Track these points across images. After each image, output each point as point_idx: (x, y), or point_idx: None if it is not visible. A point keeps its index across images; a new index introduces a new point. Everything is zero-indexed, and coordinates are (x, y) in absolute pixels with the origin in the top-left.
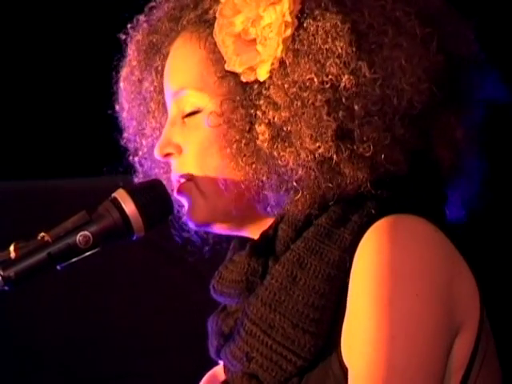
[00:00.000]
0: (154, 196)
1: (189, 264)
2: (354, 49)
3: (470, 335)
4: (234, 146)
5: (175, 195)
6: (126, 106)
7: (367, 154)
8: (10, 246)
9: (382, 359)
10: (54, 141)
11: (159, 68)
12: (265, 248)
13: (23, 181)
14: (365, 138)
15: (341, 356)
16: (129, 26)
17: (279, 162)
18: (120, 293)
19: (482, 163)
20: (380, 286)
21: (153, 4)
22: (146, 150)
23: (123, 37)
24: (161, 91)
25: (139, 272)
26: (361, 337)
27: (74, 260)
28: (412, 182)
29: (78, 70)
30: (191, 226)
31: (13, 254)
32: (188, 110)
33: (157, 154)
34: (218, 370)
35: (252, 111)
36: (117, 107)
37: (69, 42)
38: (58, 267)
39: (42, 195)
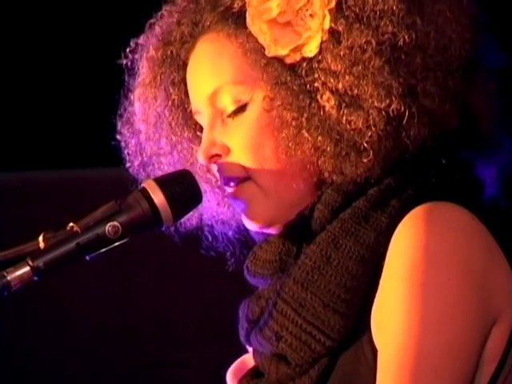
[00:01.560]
0: (182, 186)
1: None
2: (405, 5)
3: (506, 327)
4: (294, 124)
5: (230, 201)
6: (143, 128)
7: (431, 108)
8: (38, 236)
9: (412, 344)
10: (83, 131)
11: (175, 80)
12: (300, 228)
13: (51, 170)
14: (428, 92)
15: (371, 338)
16: (128, 50)
17: (348, 126)
18: (154, 283)
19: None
20: (414, 271)
21: (152, 20)
22: (166, 168)
23: (124, 61)
24: (179, 104)
25: (171, 263)
26: (392, 320)
27: (102, 250)
28: (451, 170)
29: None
30: (251, 228)
31: (42, 245)
32: (230, 108)
33: (202, 158)
34: (247, 358)
35: (308, 87)
36: (127, 133)
37: (100, 33)
38: (87, 257)
39: (71, 185)
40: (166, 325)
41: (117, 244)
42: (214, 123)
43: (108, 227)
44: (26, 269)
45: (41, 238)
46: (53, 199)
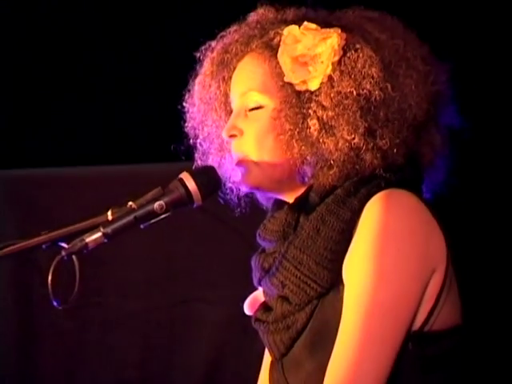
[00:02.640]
0: (208, 176)
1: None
2: (383, 74)
3: (440, 277)
4: (288, 134)
5: (230, 166)
6: (197, 103)
7: (384, 148)
8: (107, 211)
9: (370, 289)
10: (140, 133)
11: (226, 78)
12: (298, 209)
13: (113, 166)
14: (384, 136)
15: (344, 285)
16: (203, 47)
17: (323, 146)
18: (184, 245)
19: (449, 161)
20: (375, 237)
21: (223, 33)
22: (206, 135)
23: (198, 55)
24: (224, 94)
25: (198, 229)
26: (357, 270)
27: (152, 221)
28: (404, 170)
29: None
30: (244, 189)
31: (110, 217)
32: (252, 105)
33: (225, 134)
34: (258, 294)
35: (304, 110)
36: (187, 104)
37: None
38: (141, 226)
39: (128, 178)
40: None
41: (162, 217)
42: (239, 113)
43: (156, 205)
44: (99, 234)
45: (109, 213)
46: (118, 188)
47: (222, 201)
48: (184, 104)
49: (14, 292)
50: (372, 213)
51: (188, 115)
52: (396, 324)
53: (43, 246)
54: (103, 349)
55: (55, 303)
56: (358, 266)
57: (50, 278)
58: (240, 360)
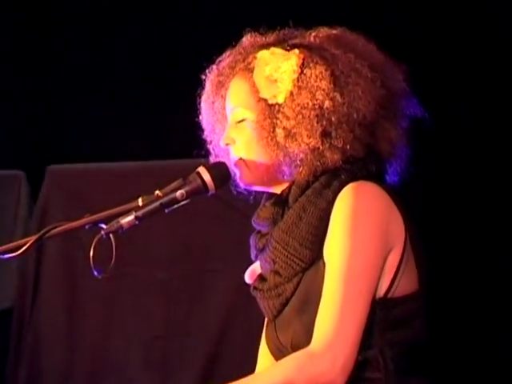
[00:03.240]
0: (220, 170)
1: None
2: (332, 85)
3: (398, 253)
4: (264, 141)
5: (232, 167)
6: (205, 117)
7: (339, 146)
8: (138, 198)
9: (345, 261)
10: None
11: (223, 95)
12: (283, 200)
13: (146, 161)
14: (338, 136)
15: (324, 261)
16: (207, 71)
17: (289, 150)
18: (200, 225)
19: (407, 151)
20: (346, 220)
21: (220, 58)
22: (216, 142)
23: (203, 77)
24: (223, 108)
25: (212, 213)
26: (334, 248)
27: (175, 207)
28: (366, 163)
29: None
30: (241, 185)
31: (140, 203)
32: (238, 119)
33: (222, 143)
34: (256, 266)
35: (274, 120)
36: (201, 117)
37: None
38: (166, 211)
39: (156, 172)
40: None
41: (183, 203)
42: (231, 124)
43: (178, 193)
44: (132, 217)
45: (140, 200)
46: (147, 180)
47: (234, 192)
48: (200, 116)
49: (62, 264)
50: (343, 202)
51: (203, 125)
52: (366, 286)
53: (86, 227)
54: (134, 312)
55: (96, 273)
56: (335, 245)
57: (91, 252)
58: (246, 319)
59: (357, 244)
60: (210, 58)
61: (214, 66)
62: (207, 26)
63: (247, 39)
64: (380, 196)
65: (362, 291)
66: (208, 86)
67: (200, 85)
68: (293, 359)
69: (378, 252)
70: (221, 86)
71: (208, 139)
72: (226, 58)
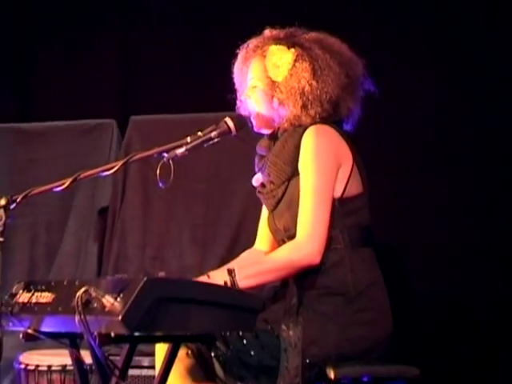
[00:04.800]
0: (239, 119)
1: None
2: (311, 76)
3: (348, 167)
4: (266, 104)
5: (252, 119)
6: (236, 76)
7: (312, 114)
8: (186, 138)
9: (311, 177)
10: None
11: (247, 65)
12: (275, 136)
13: (175, 114)
14: (311, 108)
15: (299, 175)
16: (240, 47)
17: (280, 112)
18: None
19: (359, 111)
20: (310, 149)
21: (248, 42)
22: (241, 94)
23: (237, 52)
24: (247, 73)
25: (237, 150)
26: (304, 167)
27: (210, 143)
28: (330, 117)
29: None
30: (255, 129)
31: (188, 140)
32: (253, 85)
33: (242, 97)
34: (259, 175)
35: (274, 92)
36: (234, 79)
37: None
38: (205, 145)
39: (200, 120)
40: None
41: (216, 140)
42: (248, 87)
43: (212, 134)
44: (183, 149)
45: (188, 138)
46: (196, 126)
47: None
48: (233, 76)
49: (139, 179)
50: (308, 136)
51: (235, 81)
52: (327, 192)
53: (154, 155)
54: (184, 209)
55: (160, 184)
56: (305, 165)
57: (158, 171)
58: (255, 214)
59: (317, 163)
60: (243, 41)
61: (245, 45)
62: (244, 21)
63: (267, 32)
64: (330, 132)
65: (325, 196)
66: (239, 59)
67: (235, 56)
68: (286, 248)
69: (333, 168)
70: (246, 60)
71: (238, 92)
72: (251, 44)
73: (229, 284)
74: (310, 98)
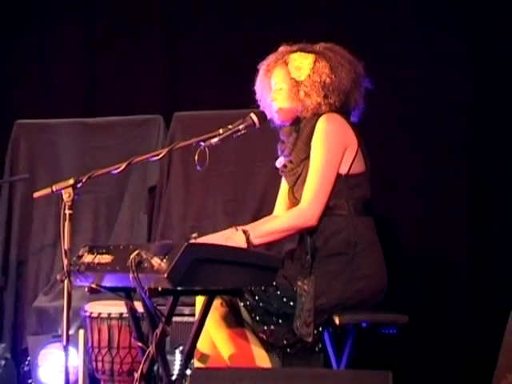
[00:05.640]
0: (261, 115)
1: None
2: (329, 71)
3: (353, 149)
4: (292, 98)
5: (274, 114)
6: (258, 88)
7: (331, 103)
8: (219, 129)
9: (321, 153)
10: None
11: (269, 77)
12: (296, 123)
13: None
14: (331, 98)
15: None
16: (261, 63)
17: (305, 103)
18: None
19: (363, 105)
20: (321, 133)
21: (267, 58)
22: (263, 100)
23: (260, 67)
24: (269, 83)
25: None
26: (315, 148)
27: (239, 134)
28: (342, 107)
29: None
30: (278, 122)
31: (221, 132)
32: (278, 88)
33: (268, 99)
34: (281, 159)
35: (299, 88)
36: (256, 88)
37: None
38: (234, 136)
39: (231, 116)
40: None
41: (243, 132)
42: (274, 91)
43: (240, 127)
44: (216, 139)
45: (220, 130)
46: (228, 120)
47: (272, 126)
48: (256, 88)
49: (181, 163)
50: (320, 122)
51: (257, 93)
52: (331, 169)
53: (193, 144)
54: (218, 186)
55: (198, 167)
56: (315, 144)
57: (196, 157)
58: (275, 190)
59: (326, 144)
60: (262, 58)
61: (265, 62)
62: (263, 40)
63: (282, 48)
64: (339, 120)
65: (329, 172)
66: (261, 72)
67: (257, 70)
68: (291, 213)
69: (339, 149)
70: (268, 72)
71: (259, 99)
72: (272, 56)
73: (245, 240)
74: (330, 88)
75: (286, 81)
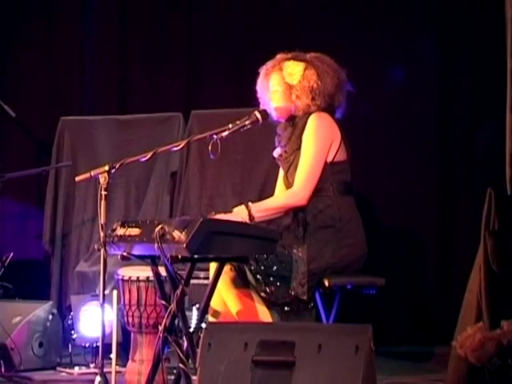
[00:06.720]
0: (264, 112)
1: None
2: (317, 78)
3: (338, 142)
4: (285, 99)
5: (272, 111)
6: (259, 88)
7: (318, 104)
8: (229, 124)
9: (311, 145)
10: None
11: (268, 79)
12: (289, 121)
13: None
14: (318, 100)
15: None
16: (261, 68)
17: (297, 104)
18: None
19: (345, 104)
20: (311, 128)
21: (267, 63)
22: (263, 99)
23: (260, 71)
24: (267, 86)
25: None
26: (306, 140)
27: (245, 128)
28: (328, 107)
29: None
30: (275, 118)
31: (230, 126)
32: (275, 90)
33: (267, 99)
34: (277, 150)
35: (291, 91)
36: (258, 89)
37: None
38: (241, 130)
39: (238, 113)
40: None
41: (248, 127)
42: (271, 92)
43: (246, 122)
44: (226, 132)
45: (230, 125)
46: (237, 117)
47: (271, 121)
48: (257, 88)
49: (197, 151)
50: (311, 119)
51: (257, 93)
52: (320, 159)
53: (207, 137)
54: (229, 173)
55: (211, 156)
56: (307, 137)
57: (209, 147)
58: (275, 176)
59: (316, 137)
60: (263, 63)
61: (264, 66)
62: (263, 48)
63: (279, 56)
64: (327, 117)
65: (318, 160)
66: (261, 75)
67: (258, 74)
68: (285, 193)
69: (326, 142)
70: (267, 75)
71: (259, 98)
72: (269, 63)
73: (247, 214)
74: (317, 92)
75: (281, 84)
